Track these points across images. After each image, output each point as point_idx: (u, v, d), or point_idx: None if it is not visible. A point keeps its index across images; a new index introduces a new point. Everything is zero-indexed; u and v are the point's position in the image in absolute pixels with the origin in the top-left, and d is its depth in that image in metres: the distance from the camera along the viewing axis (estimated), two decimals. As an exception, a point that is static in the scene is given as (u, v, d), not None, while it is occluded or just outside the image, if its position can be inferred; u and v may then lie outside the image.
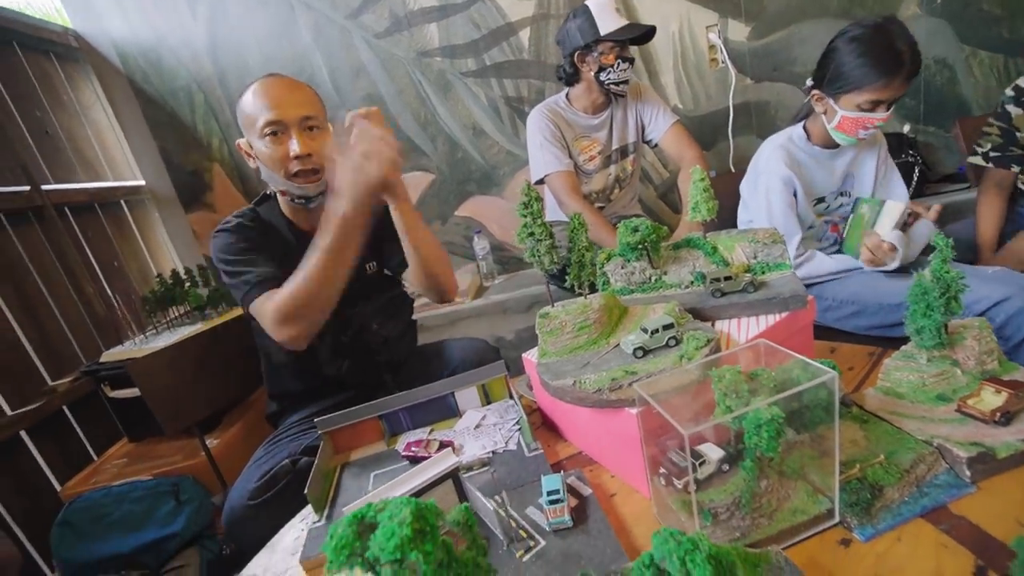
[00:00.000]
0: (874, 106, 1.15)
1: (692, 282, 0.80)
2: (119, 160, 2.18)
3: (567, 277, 0.69)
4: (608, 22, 1.51)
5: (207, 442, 1.45)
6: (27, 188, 1.66)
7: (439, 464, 0.59)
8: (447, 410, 0.86)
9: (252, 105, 0.96)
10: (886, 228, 1.20)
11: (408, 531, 0.31)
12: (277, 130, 0.95)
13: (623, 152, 1.75)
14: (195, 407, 1.35)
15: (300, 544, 0.68)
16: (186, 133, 2.11)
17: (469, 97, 2.07)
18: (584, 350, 0.67)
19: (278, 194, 1.07)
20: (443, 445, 0.75)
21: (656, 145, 1.75)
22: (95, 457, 1.68)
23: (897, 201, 1.23)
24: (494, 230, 2.23)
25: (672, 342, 0.63)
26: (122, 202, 2.11)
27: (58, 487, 1.54)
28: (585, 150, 1.71)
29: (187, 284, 1.85)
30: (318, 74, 2.06)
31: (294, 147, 0.95)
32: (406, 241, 1.00)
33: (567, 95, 1.71)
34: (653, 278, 0.82)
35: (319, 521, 0.69)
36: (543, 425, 0.83)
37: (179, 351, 1.38)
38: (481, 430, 0.80)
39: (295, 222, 1.09)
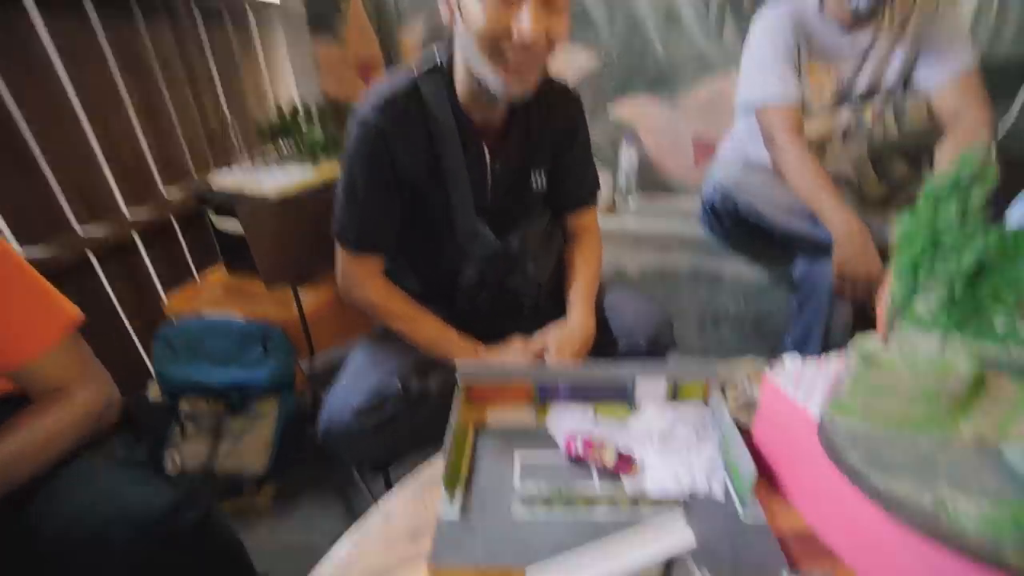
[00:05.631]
0: None
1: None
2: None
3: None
4: None
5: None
6: (161, -27, 1.47)
7: (661, 535, 0.39)
8: (618, 390, 0.65)
9: None
10: None
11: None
12: None
13: (869, 93, 1.28)
14: (298, 263, 1.25)
15: (420, 529, 0.53)
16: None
17: (676, -31, 1.57)
18: (918, 430, 0.42)
19: (459, 68, 0.77)
20: (622, 459, 0.55)
21: (916, 91, 1.26)
22: (195, 273, 1.69)
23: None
24: (648, 141, 1.81)
25: None
26: (250, 14, 1.90)
27: (163, 296, 1.56)
28: (815, 79, 1.26)
29: (304, 123, 1.69)
30: None
31: (523, 20, 0.64)
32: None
33: None
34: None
35: (451, 511, 0.53)
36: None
37: (292, 202, 1.25)
38: (668, 445, 0.59)
39: (466, 109, 0.79)
